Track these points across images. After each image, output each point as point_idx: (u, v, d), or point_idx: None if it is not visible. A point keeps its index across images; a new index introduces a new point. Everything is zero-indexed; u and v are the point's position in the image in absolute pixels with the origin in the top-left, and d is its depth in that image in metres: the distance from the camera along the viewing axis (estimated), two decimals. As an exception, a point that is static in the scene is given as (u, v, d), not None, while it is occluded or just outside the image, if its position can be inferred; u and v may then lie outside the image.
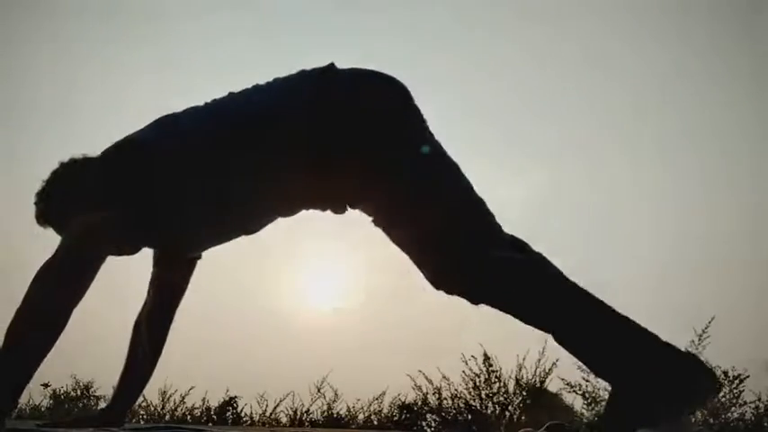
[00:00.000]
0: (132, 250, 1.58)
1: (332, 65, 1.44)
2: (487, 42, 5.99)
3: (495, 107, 6.23)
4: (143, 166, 1.44)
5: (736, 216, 5.37)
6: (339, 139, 1.36)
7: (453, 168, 1.41)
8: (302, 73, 1.45)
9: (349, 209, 1.48)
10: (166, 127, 1.49)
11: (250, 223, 1.55)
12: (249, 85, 1.49)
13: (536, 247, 1.39)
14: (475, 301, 1.37)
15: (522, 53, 5.94)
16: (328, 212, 1.50)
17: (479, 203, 1.40)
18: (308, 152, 1.37)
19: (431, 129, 1.44)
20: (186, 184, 1.44)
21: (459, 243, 1.36)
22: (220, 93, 1.50)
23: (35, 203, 1.58)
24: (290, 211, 1.53)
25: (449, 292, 1.38)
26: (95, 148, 1.55)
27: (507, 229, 1.41)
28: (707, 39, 5.42)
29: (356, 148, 1.36)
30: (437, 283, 1.38)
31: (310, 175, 1.39)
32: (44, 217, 1.56)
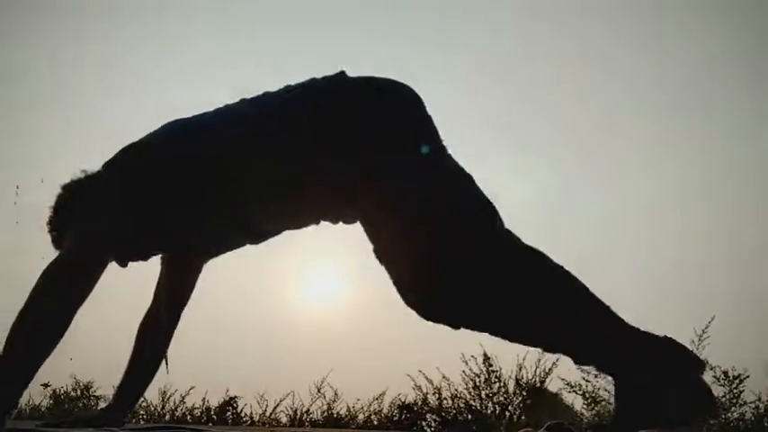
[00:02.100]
0: (141, 256, 1.58)
1: (342, 73, 1.44)
2: (492, 41, 5.99)
3: (499, 107, 6.23)
4: (148, 170, 1.44)
5: (737, 216, 5.38)
6: (347, 148, 1.35)
7: (461, 182, 1.38)
8: (312, 81, 1.45)
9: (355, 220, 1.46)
10: (174, 132, 1.48)
11: (259, 234, 1.56)
12: (260, 93, 1.49)
13: (541, 246, 1.38)
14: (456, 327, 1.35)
15: (527, 51, 5.94)
16: (340, 223, 1.50)
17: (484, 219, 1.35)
18: (317, 161, 1.36)
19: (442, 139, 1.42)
20: (192, 192, 1.44)
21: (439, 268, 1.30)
22: (223, 90, 1.50)
23: (48, 232, 1.58)
24: (302, 222, 1.53)
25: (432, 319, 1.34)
26: (93, 147, 1.55)
27: (514, 229, 1.39)
28: (711, 38, 5.42)
29: (362, 156, 1.35)
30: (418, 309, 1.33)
31: (320, 185, 1.39)
32: (55, 242, 1.57)
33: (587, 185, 6.27)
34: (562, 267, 1.34)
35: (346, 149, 1.35)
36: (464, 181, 1.38)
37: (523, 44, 6.03)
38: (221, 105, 1.51)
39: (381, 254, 1.36)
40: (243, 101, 1.49)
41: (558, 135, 6.16)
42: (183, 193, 1.44)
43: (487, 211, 1.36)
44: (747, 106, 5.49)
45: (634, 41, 5.71)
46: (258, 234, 1.56)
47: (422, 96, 1.44)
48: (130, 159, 1.46)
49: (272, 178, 1.40)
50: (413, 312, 1.39)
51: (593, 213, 6.20)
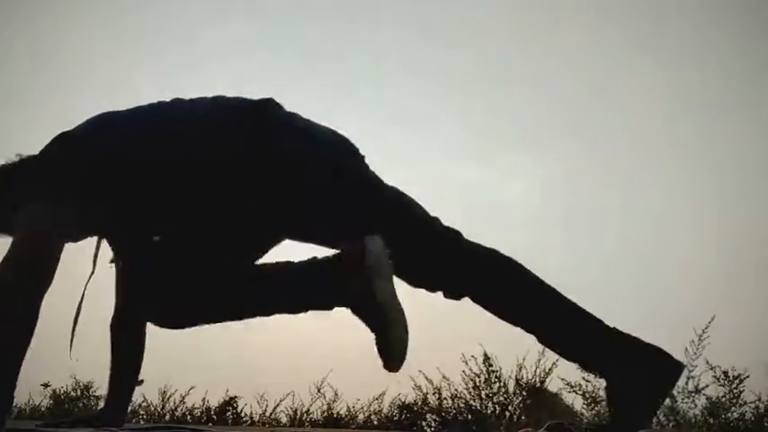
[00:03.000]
0: (86, 236, 1.61)
1: (270, 100, 1.50)
2: (493, 38, 5.99)
3: (500, 106, 6.23)
4: (77, 161, 1.46)
5: (737, 216, 5.38)
6: (249, 183, 1.41)
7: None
8: (241, 103, 1.51)
9: None
10: (103, 126, 1.52)
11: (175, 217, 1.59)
12: (195, 96, 1.54)
13: (539, 247, 1.41)
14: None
15: (527, 49, 5.94)
16: None
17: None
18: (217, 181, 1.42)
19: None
20: (115, 184, 1.47)
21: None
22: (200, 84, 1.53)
23: None
24: None
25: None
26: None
27: (512, 228, 1.42)
28: (716, 38, 5.42)
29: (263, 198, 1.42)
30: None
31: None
32: None
33: (587, 185, 6.26)
34: None
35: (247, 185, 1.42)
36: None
37: (524, 43, 6.03)
38: (154, 101, 1.55)
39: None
40: (175, 100, 1.54)
41: (558, 134, 6.16)
42: (101, 187, 1.47)
43: None
44: (754, 103, 5.49)
45: (638, 38, 5.71)
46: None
47: (351, 158, 1.54)
48: (62, 148, 1.49)
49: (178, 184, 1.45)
50: (413, 312, 1.45)
51: (593, 213, 6.20)
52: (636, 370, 1.40)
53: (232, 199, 1.43)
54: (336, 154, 1.52)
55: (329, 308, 1.47)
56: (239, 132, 1.44)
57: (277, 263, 1.49)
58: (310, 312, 1.47)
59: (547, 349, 1.61)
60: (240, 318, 1.47)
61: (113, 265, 1.72)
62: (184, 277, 1.41)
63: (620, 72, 5.94)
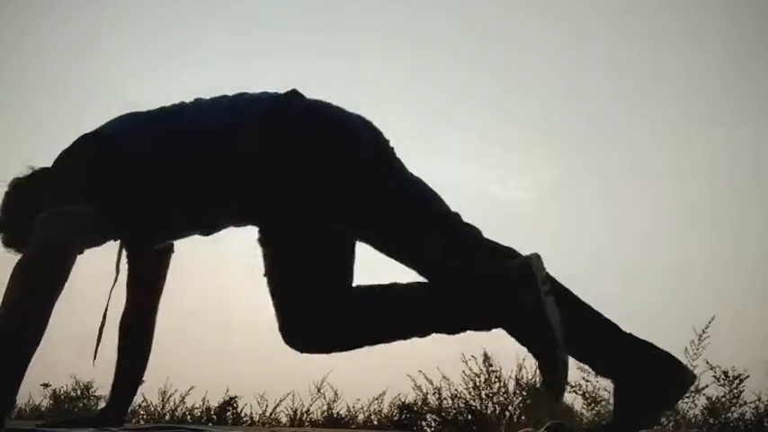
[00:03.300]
0: (102, 242, 1.60)
1: (294, 91, 1.47)
2: (493, 38, 5.99)
3: (501, 105, 6.23)
4: (105, 162, 1.45)
5: (737, 215, 5.38)
6: (272, 170, 1.38)
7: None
8: (262, 95, 1.48)
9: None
10: (130, 125, 1.51)
11: (209, 229, 1.59)
12: (219, 94, 1.52)
13: (541, 246, 1.40)
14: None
15: (528, 48, 5.94)
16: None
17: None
18: (242, 172, 1.39)
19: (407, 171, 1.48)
20: (144, 185, 1.46)
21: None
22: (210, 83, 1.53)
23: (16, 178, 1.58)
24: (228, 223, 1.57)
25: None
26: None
27: (514, 229, 1.41)
28: (714, 37, 5.42)
29: (286, 184, 1.38)
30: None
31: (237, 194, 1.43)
32: (10, 241, 1.58)
33: (587, 185, 6.27)
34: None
35: (270, 172, 1.38)
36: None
37: (525, 41, 6.03)
38: (178, 102, 1.53)
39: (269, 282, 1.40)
40: (198, 101, 1.52)
41: (558, 134, 6.16)
42: (139, 188, 1.46)
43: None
44: (751, 105, 5.49)
45: (639, 38, 5.71)
46: (208, 229, 1.60)
47: (381, 137, 1.48)
48: (91, 149, 1.48)
49: (205, 182, 1.44)
50: None
51: (593, 213, 6.20)
52: (647, 375, 1.36)
53: (272, 197, 1.39)
54: (371, 138, 1.47)
55: (488, 327, 1.39)
56: (264, 127, 1.41)
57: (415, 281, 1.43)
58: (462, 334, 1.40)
59: None
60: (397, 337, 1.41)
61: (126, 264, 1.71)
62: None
63: (621, 71, 5.94)
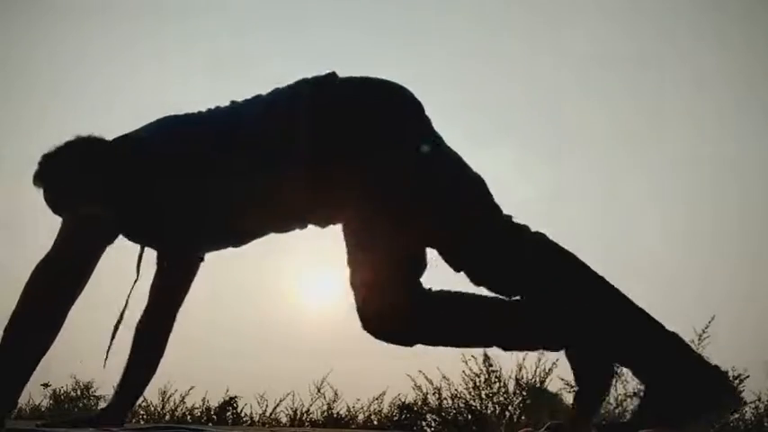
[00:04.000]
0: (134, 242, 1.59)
1: (333, 73, 1.43)
2: (492, 37, 5.98)
3: (501, 105, 6.23)
4: (140, 166, 1.43)
5: (738, 215, 5.37)
6: (338, 147, 1.34)
7: (463, 183, 1.37)
8: (302, 81, 1.44)
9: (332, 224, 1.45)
10: (167, 129, 1.49)
11: (243, 236, 1.56)
12: (251, 95, 1.48)
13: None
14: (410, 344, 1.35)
15: (528, 48, 5.94)
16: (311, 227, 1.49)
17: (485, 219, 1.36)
18: (304, 161, 1.35)
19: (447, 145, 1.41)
20: (180, 190, 1.44)
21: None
22: (222, 89, 1.50)
23: (39, 162, 1.56)
24: (283, 225, 1.52)
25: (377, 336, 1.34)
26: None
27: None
28: (713, 37, 5.42)
29: (354, 155, 1.33)
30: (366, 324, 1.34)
31: (305, 186, 1.37)
32: (41, 183, 1.55)
33: (587, 185, 6.26)
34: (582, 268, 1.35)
35: (340, 153, 1.33)
36: (460, 181, 1.38)
37: (526, 41, 6.02)
38: (212, 107, 1.51)
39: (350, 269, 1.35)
40: (233, 103, 1.49)
41: (558, 134, 6.16)
42: (173, 193, 1.44)
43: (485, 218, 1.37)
44: (755, 105, 5.49)
45: (638, 38, 5.71)
46: (241, 237, 1.57)
47: (421, 103, 1.42)
48: (124, 152, 1.46)
49: (253, 181, 1.39)
50: None
51: (593, 213, 6.20)
52: (685, 386, 1.26)
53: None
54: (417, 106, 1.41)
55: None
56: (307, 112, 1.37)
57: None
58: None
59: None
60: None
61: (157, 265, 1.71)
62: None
63: (620, 71, 5.94)
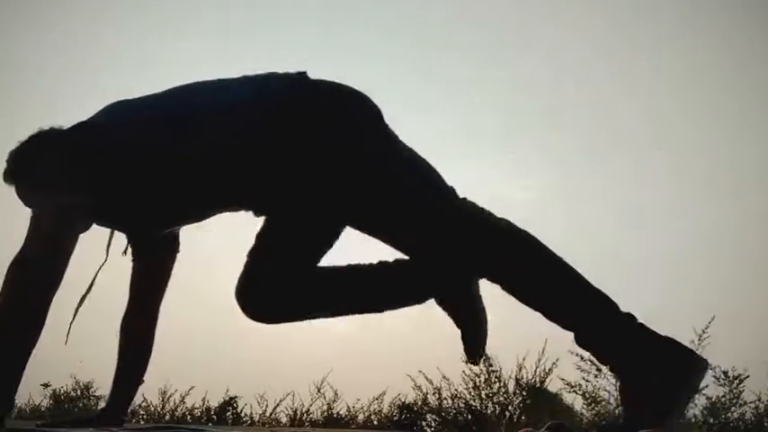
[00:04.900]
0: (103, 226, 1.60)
1: (304, 73, 1.46)
2: (494, 42, 5.99)
3: (501, 105, 6.23)
4: (99, 150, 1.43)
5: (738, 216, 5.38)
6: (295, 142, 1.37)
7: (419, 179, 1.41)
8: (272, 75, 1.46)
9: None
10: (122, 112, 1.48)
11: (197, 213, 1.56)
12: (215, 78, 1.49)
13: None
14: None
15: (527, 49, 5.94)
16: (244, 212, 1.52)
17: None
18: (261, 145, 1.38)
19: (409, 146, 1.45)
20: (139, 172, 1.43)
21: None
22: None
23: (6, 160, 1.55)
24: (231, 204, 1.54)
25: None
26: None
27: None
28: (714, 42, 5.42)
29: (311, 151, 1.37)
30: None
31: (254, 168, 1.41)
32: (12, 180, 1.53)
33: (588, 185, 6.27)
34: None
35: (296, 147, 1.37)
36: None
37: (525, 42, 6.03)
38: (171, 87, 1.50)
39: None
40: (195, 83, 1.49)
41: (559, 134, 6.16)
42: (127, 178, 1.44)
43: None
44: (752, 104, 5.49)
45: (637, 43, 5.71)
46: (201, 216, 1.58)
47: (382, 113, 1.46)
48: (83, 140, 1.46)
49: (204, 160, 1.41)
50: (413, 311, 1.45)
51: (593, 213, 6.20)
52: (655, 366, 1.28)
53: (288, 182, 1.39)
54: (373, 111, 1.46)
55: (420, 302, 1.47)
56: (279, 112, 1.39)
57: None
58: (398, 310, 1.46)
59: (546, 349, 1.53)
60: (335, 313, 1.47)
61: (128, 255, 1.70)
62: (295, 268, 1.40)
63: (621, 71, 5.94)
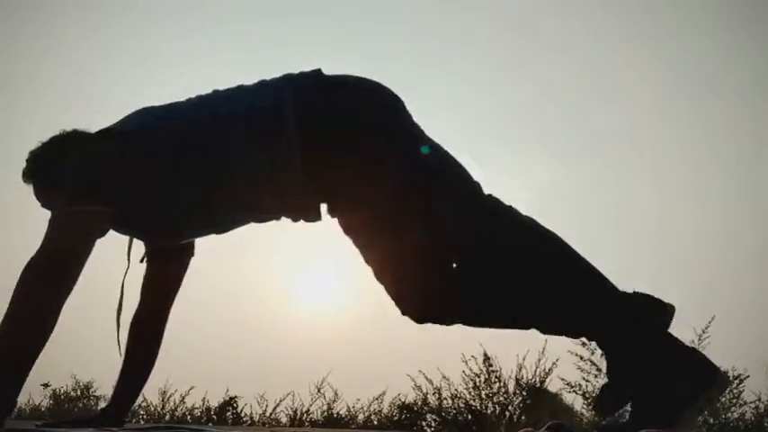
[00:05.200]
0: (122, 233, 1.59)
1: (319, 70, 1.44)
2: (495, 40, 5.99)
3: (502, 104, 6.23)
4: (125, 157, 1.43)
5: (738, 216, 5.38)
6: (324, 141, 1.35)
7: (449, 176, 1.39)
8: (288, 75, 1.45)
9: (324, 217, 1.46)
10: (147, 119, 1.48)
11: (224, 222, 1.55)
12: (234, 85, 1.48)
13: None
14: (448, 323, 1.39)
15: (529, 48, 5.95)
16: (301, 222, 1.49)
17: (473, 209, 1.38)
18: (289, 152, 1.35)
19: (428, 135, 1.43)
20: (165, 178, 1.43)
21: (430, 272, 1.35)
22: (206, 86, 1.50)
23: (27, 160, 1.56)
24: (263, 214, 1.51)
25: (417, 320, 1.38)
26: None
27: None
28: (715, 40, 5.43)
29: (342, 150, 1.35)
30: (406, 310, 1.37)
31: (289, 178, 1.37)
32: (31, 180, 1.56)
33: (588, 185, 6.27)
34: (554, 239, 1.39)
35: (325, 151, 1.35)
36: (451, 174, 1.40)
37: (526, 43, 6.03)
38: (193, 96, 1.50)
39: (372, 267, 1.39)
40: (216, 92, 1.48)
41: (559, 134, 6.16)
42: (154, 181, 1.44)
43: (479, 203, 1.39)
44: (749, 103, 5.49)
45: (638, 40, 5.71)
46: (225, 224, 1.56)
47: (402, 100, 1.44)
48: (108, 146, 1.45)
49: (235, 168, 1.39)
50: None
51: (593, 213, 6.20)
52: (677, 372, 1.27)
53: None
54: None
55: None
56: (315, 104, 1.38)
57: None
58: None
59: (546, 349, 1.51)
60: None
61: (144, 262, 1.70)
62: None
63: (621, 71, 5.94)
